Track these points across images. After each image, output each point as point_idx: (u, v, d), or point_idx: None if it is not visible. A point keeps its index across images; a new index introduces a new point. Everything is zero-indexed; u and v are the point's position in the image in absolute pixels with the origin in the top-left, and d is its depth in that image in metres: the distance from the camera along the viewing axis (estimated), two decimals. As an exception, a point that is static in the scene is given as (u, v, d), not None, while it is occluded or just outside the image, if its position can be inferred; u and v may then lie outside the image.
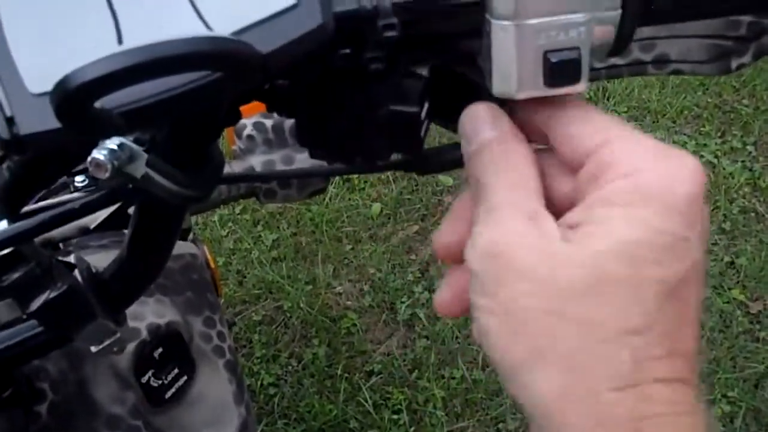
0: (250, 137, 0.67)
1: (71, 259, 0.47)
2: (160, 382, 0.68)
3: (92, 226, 0.65)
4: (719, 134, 2.12)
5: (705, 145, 2.09)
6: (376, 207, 1.99)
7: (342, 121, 0.36)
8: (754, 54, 0.53)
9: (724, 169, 2.02)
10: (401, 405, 1.59)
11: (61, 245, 0.70)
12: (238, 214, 2.00)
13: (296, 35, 0.28)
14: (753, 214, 1.92)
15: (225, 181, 0.44)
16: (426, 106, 0.37)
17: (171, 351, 0.68)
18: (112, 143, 0.39)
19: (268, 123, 0.68)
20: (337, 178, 2.03)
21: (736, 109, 2.19)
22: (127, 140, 0.39)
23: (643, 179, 0.28)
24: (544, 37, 0.31)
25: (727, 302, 1.73)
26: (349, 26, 0.32)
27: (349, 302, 1.80)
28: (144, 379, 0.66)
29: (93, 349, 0.48)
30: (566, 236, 0.28)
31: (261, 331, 1.75)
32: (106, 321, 0.47)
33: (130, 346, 0.64)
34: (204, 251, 0.83)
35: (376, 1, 0.32)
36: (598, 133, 0.30)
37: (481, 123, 0.33)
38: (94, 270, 0.47)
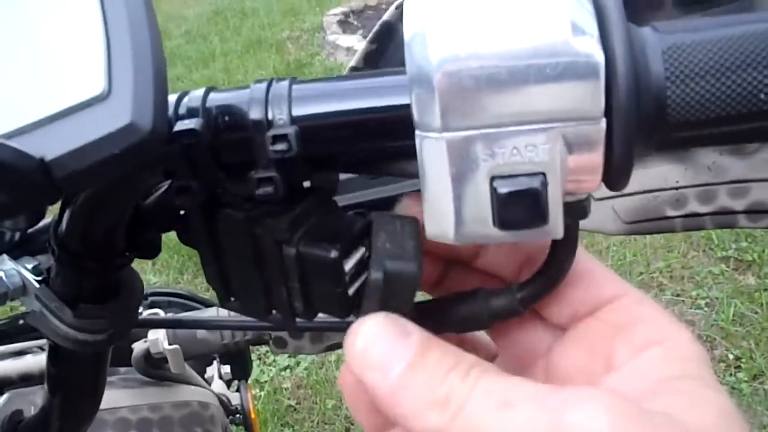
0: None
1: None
2: None
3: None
4: None
5: None
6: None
7: (241, 262, 0.28)
8: None
9: None
10: None
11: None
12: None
13: (93, 137, 0.20)
14: None
15: (140, 324, 0.37)
16: (361, 251, 0.27)
17: None
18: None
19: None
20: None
21: None
22: (21, 265, 0.33)
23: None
24: (490, 156, 0.22)
25: None
26: (227, 132, 0.25)
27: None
28: None
29: None
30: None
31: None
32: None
33: None
34: (247, 399, 0.75)
35: (272, 110, 0.25)
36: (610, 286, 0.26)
37: (387, 341, 0.24)
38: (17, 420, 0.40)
